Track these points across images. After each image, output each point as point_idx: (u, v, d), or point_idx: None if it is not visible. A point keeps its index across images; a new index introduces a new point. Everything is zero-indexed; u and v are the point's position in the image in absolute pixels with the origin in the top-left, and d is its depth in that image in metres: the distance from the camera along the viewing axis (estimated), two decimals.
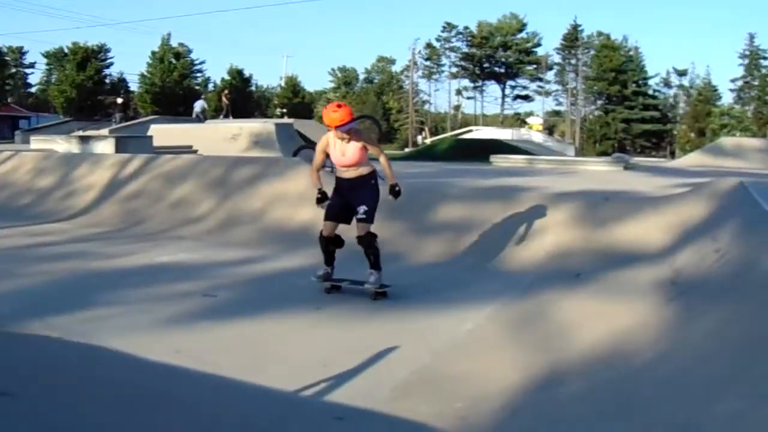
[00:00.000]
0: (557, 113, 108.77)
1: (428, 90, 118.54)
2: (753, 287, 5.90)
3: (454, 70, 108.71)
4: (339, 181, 8.97)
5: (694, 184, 13.58)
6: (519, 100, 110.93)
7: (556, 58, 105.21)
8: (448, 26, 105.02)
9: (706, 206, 10.32)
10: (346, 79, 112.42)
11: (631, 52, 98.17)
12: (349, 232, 8.91)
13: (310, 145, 29.38)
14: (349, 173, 8.82)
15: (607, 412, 4.81)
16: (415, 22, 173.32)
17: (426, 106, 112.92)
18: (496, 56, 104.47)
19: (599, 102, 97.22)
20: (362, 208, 8.72)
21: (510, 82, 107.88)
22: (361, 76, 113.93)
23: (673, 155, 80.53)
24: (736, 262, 7.00)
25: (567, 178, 17.30)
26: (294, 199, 14.05)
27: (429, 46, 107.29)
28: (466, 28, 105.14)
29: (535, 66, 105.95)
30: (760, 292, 5.65)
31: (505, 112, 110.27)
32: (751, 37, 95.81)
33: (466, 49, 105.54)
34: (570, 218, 10.97)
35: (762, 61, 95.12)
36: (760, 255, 6.51)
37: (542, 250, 10.43)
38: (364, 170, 8.86)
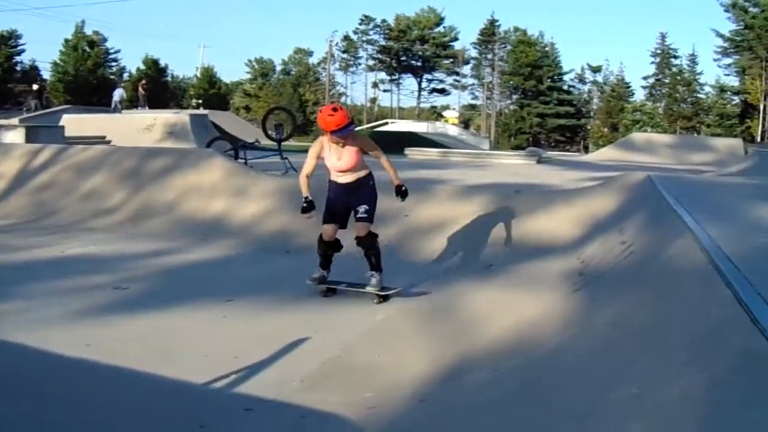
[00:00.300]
0: (473, 107, 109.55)
1: (345, 82, 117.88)
2: (654, 277, 6.06)
3: (371, 62, 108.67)
4: (336, 185, 8.74)
5: (605, 177, 13.91)
6: (435, 94, 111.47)
7: (473, 53, 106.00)
8: (366, 19, 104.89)
9: (615, 199, 10.57)
10: (263, 71, 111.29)
11: (546, 48, 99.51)
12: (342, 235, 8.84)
13: (225, 136, 29.21)
14: (347, 178, 8.60)
15: (513, 400, 4.90)
16: (332, 14, 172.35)
17: (343, 99, 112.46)
18: (413, 50, 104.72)
19: (515, 96, 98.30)
20: (363, 207, 8.56)
21: (427, 76, 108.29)
22: (278, 68, 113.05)
23: (586, 150, 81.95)
24: (639, 253, 7.17)
25: (480, 171, 17.51)
26: (207, 190, 13.96)
27: (346, 38, 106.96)
28: (383, 21, 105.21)
29: (451, 60, 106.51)
30: (660, 282, 5.81)
31: (422, 105, 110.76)
32: (663, 36, 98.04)
33: (383, 42, 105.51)
34: (482, 211, 11.12)
35: (673, 59, 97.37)
36: (662, 246, 6.68)
37: (454, 242, 10.57)
38: (361, 173, 8.64)
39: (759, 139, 79.93)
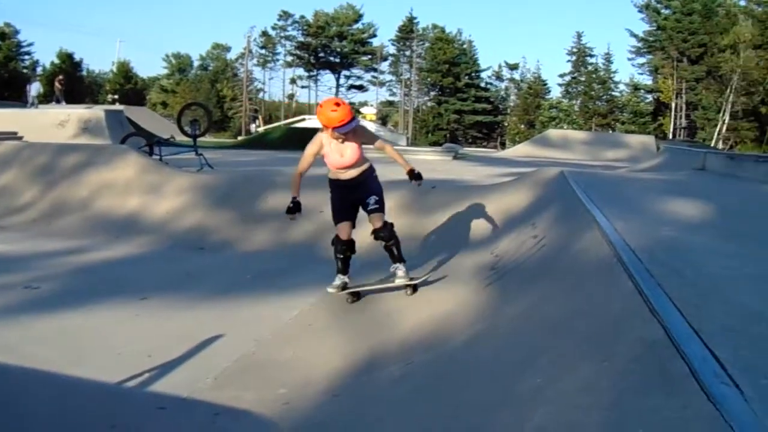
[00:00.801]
0: (391, 103, 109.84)
1: (263, 78, 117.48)
2: (562, 270, 6.19)
3: (289, 58, 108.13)
4: (340, 183, 8.24)
5: (519, 173, 14.08)
6: (353, 90, 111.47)
7: (391, 50, 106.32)
8: (285, 15, 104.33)
9: (529, 195, 10.72)
10: (180, 66, 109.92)
11: (464, 46, 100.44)
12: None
13: (140, 132, 28.79)
14: (350, 173, 8.14)
15: (423, 393, 4.96)
16: (251, 9, 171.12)
17: (260, 95, 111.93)
18: (331, 46, 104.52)
19: (432, 93, 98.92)
20: (373, 198, 8.22)
21: (345, 72, 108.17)
22: (196, 63, 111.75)
23: (503, 146, 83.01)
24: (550, 247, 7.30)
25: (397, 167, 17.53)
26: (122, 187, 13.78)
27: (265, 34, 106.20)
28: (302, 17, 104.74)
29: (370, 56, 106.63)
30: (568, 275, 5.95)
31: None
32: (579, 35, 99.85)
33: (301, 38, 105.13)
34: (398, 206, 11.15)
35: (588, 58, 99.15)
36: (571, 240, 6.82)
37: (368, 238, 10.59)
38: (364, 166, 8.25)
39: (671, 136, 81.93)
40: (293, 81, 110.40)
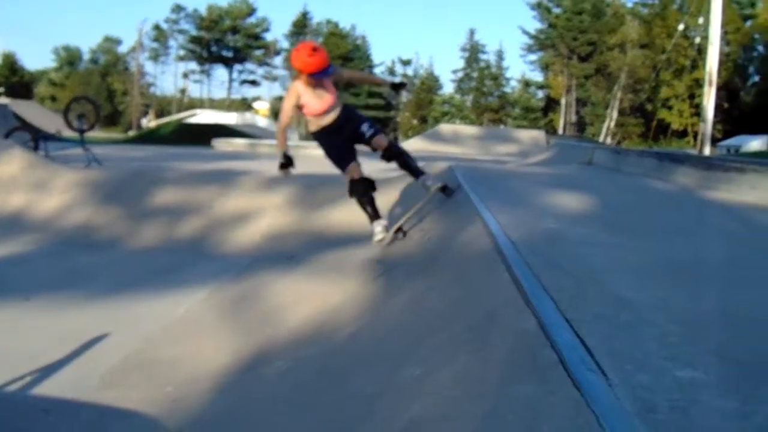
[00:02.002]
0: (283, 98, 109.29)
1: (155, 72, 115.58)
2: (446, 263, 6.28)
3: (181, 52, 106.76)
4: (326, 129, 7.96)
5: (387, 179, 14.24)
6: (246, 85, 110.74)
7: (285, 44, 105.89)
8: (177, 8, 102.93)
9: (417, 188, 10.84)
10: (69, 59, 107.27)
11: (358, 41, 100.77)
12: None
13: (25, 126, 28.01)
14: (333, 115, 7.88)
15: (308, 387, 4.99)
16: (143, 2, 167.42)
17: (152, 89, 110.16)
18: (224, 40, 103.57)
19: None
20: (365, 126, 8.03)
21: (238, 67, 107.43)
22: (86, 56, 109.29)
23: (396, 141, 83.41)
24: (435, 241, 7.40)
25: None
26: (5, 183, 13.43)
27: (157, 27, 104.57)
28: (195, 10, 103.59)
29: (263, 51, 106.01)
30: (451, 267, 6.05)
31: (232, 96, 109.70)
32: (472, 32, 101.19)
33: (194, 32, 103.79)
34: (286, 201, 11.17)
35: (481, 54, 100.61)
36: (455, 233, 6.93)
37: (258, 233, 10.58)
38: (341, 103, 8.02)
39: (561, 132, 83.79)
40: (185, 75, 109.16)
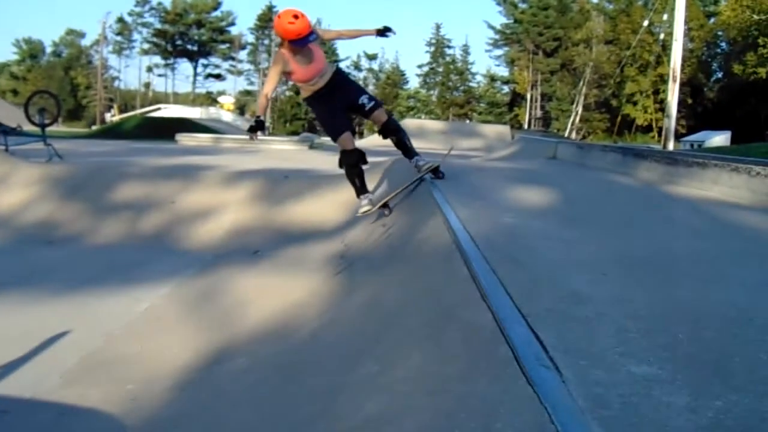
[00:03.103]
0: (249, 93, 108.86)
1: (118, 66, 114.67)
2: (406, 258, 6.27)
3: (145, 46, 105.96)
4: (318, 94, 7.86)
5: (374, 162, 14.22)
6: (211, 79, 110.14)
7: (250, 38, 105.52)
8: (142, 1, 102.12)
9: (380, 183, 10.85)
10: (31, 52, 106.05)
11: None
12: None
13: None
14: (325, 78, 7.79)
15: (268, 384, 4.97)
16: None
17: (116, 83, 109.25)
18: (189, 34, 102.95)
19: (291, 82, 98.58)
20: (365, 97, 7.93)
21: (202, 61, 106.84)
22: (48, 49, 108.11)
23: (361, 135, 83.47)
24: (396, 236, 7.39)
25: (251, 157, 17.52)
26: None
27: (121, 20, 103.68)
28: (159, 3, 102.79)
29: (228, 45, 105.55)
30: (410, 262, 6.05)
31: (197, 90, 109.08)
32: (438, 26, 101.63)
33: (158, 26, 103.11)
34: (250, 196, 11.13)
35: (447, 49, 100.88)
36: (416, 229, 6.94)
37: (221, 229, 10.53)
38: (333, 66, 7.92)
39: (526, 126, 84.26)
40: (150, 69, 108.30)
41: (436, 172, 8.19)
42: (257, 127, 7.64)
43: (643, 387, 2.69)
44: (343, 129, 7.97)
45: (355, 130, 8.08)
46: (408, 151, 8.33)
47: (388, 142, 8.43)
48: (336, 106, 7.94)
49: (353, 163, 8.06)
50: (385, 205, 8.27)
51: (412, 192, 8.71)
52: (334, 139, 8.03)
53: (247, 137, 7.87)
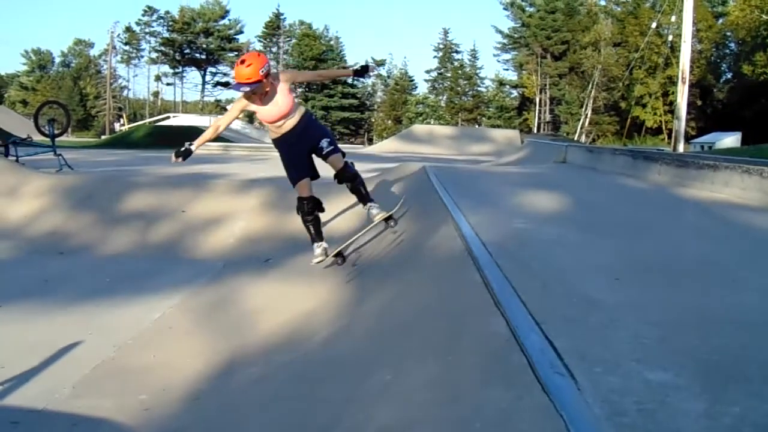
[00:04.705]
0: None
1: (127, 75, 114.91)
2: (418, 266, 6.25)
3: (154, 55, 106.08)
4: (283, 137, 7.79)
5: (383, 168, 14.20)
6: (219, 87, 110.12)
7: (258, 46, 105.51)
8: (149, 10, 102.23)
9: (391, 189, 10.83)
10: (40, 62, 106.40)
11: (331, 42, 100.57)
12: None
13: None
14: (291, 123, 7.68)
15: (281, 393, 4.96)
16: (114, 4, 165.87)
17: (125, 92, 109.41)
18: (197, 42, 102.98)
19: (299, 90, 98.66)
20: (325, 141, 7.81)
21: (211, 69, 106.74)
22: (57, 60, 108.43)
23: (370, 142, 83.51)
24: (408, 242, 7.38)
25: (261, 165, 17.51)
26: None
27: (128, 30, 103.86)
28: (167, 12, 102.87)
29: (236, 53, 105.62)
30: (423, 269, 6.02)
31: (206, 98, 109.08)
32: (446, 31, 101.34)
33: (166, 35, 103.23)
34: (260, 204, 11.11)
35: (455, 54, 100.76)
36: (428, 235, 6.93)
37: (232, 237, 10.52)
38: (301, 110, 7.84)
39: (536, 130, 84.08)
40: (158, 78, 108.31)
41: (389, 220, 8.12)
42: (181, 153, 7.60)
43: (659, 393, 2.67)
44: (302, 176, 7.94)
45: (318, 175, 8.00)
46: (362, 198, 8.25)
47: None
48: (300, 150, 7.90)
49: (308, 212, 8.03)
50: (339, 254, 8.18)
51: (422, 198, 8.68)
52: (293, 185, 8.04)
53: (172, 159, 7.70)
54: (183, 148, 7.52)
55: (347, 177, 8.03)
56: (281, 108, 7.56)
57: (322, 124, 8.14)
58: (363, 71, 8.32)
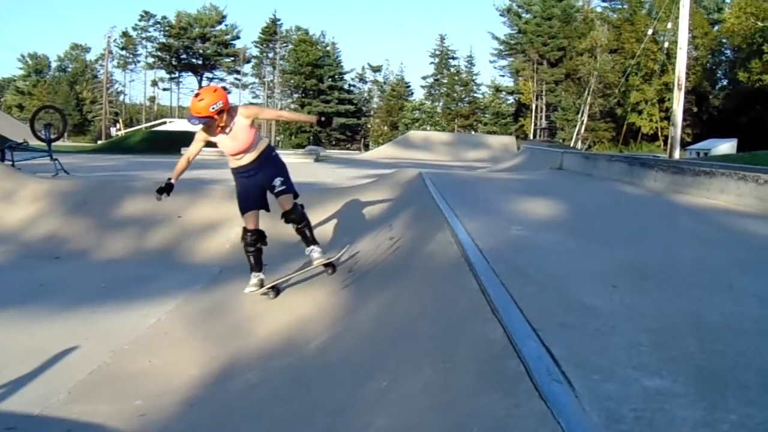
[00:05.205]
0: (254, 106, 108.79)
1: (123, 80, 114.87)
2: (414, 272, 6.25)
3: (150, 60, 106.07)
4: (240, 170, 7.89)
5: (380, 174, 14.22)
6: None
7: (254, 51, 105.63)
8: (146, 15, 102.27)
9: (387, 196, 10.83)
10: (37, 67, 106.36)
11: (328, 48, 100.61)
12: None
13: None
14: (248, 158, 7.78)
15: (278, 398, 4.95)
16: (111, 9, 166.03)
17: (121, 97, 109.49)
18: (194, 47, 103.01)
19: (296, 95, 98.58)
20: (278, 180, 7.87)
21: (207, 74, 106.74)
22: (54, 64, 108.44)
23: (367, 147, 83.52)
24: (404, 249, 7.37)
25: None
26: None
27: (125, 34, 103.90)
28: (164, 17, 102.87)
29: (233, 58, 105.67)
30: (419, 276, 6.02)
31: None
32: (442, 38, 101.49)
33: (163, 40, 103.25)
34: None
35: (451, 60, 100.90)
36: (424, 241, 6.92)
37: (228, 242, 10.52)
38: (261, 146, 7.87)
39: (532, 137, 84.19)
40: (155, 83, 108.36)
41: (328, 266, 8.14)
42: (163, 189, 7.73)
43: (656, 401, 2.66)
44: (251, 208, 8.04)
45: (268, 208, 8.17)
46: (306, 240, 8.28)
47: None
48: (254, 184, 7.99)
49: (250, 243, 8.11)
50: (273, 288, 8.20)
51: (418, 205, 8.69)
52: (241, 214, 8.13)
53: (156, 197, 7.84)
54: (164, 184, 7.66)
55: (293, 219, 8.12)
56: (240, 143, 7.68)
57: (281, 161, 8.15)
58: (326, 123, 8.36)
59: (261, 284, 8.07)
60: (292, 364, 5.71)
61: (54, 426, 5.10)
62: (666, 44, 54.47)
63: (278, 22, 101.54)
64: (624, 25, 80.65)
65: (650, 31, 52.91)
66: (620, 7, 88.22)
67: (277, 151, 8.35)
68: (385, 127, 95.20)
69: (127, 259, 10.52)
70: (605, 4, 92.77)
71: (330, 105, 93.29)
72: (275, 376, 5.58)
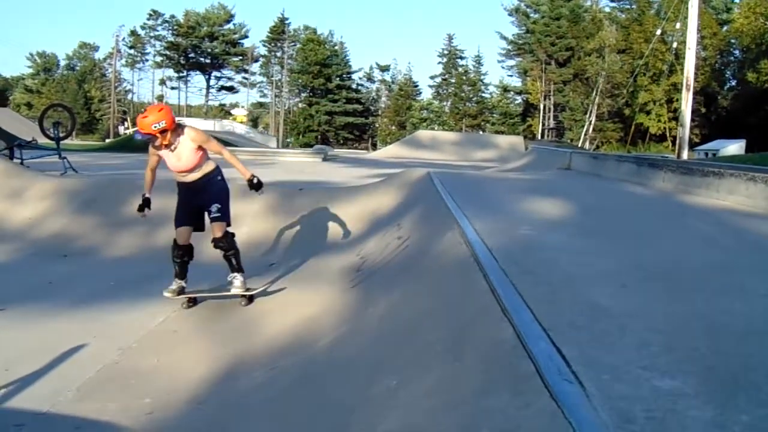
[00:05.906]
0: (262, 105, 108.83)
1: (132, 79, 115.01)
2: (423, 271, 6.25)
3: (158, 59, 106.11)
4: (182, 185, 8.07)
5: (387, 174, 14.20)
6: (224, 92, 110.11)
7: (263, 51, 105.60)
8: (154, 14, 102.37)
9: (395, 195, 10.81)
10: (45, 65, 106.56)
11: (336, 47, 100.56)
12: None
13: (0, 134, 27.76)
14: (191, 177, 7.95)
15: (287, 396, 4.94)
16: (119, 8, 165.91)
17: (129, 96, 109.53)
18: (202, 46, 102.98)
19: (303, 95, 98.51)
20: (215, 206, 8.00)
21: (215, 73, 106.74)
22: (62, 63, 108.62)
23: (374, 147, 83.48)
24: (413, 248, 7.37)
25: (266, 169, 17.48)
26: None
27: (133, 33, 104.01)
28: (172, 16, 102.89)
29: (241, 57, 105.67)
30: (428, 275, 6.01)
31: (210, 103, 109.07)
32: (450, 37, 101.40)
33: (171, 38, 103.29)
34: (265, 209, 11.09)
35: (459, 60, 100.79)
36: (433, 241, 6.91)
37: (237, 240, 10.49)
38: (206, 168, 8.03)
39: (540, 137, 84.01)
40: (163, 82, 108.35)
41: (244, 297, 8.19)
42: (142, 205, 8.09)
43: (667, 401, 2.66)
44: (184, 223, 8.19)
45: (202, 228, 8.39)
46: (231, 268, 8.31)
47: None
48: (192, 203, 8.14)
49: (177, 255, 8.26)
50: (191, 300, 8.35)
51: (427, 204, 8.68)
52: (175, 227, 8.27)
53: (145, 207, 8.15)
54: (141, 201, 8.01)
55: (222, 246, 8.21)
56: (183, 162, 7.83)
57: (225, 187, 8.28)
58: (256, 185, 8.35)
59: (180, 291, 8.19)
60: (300, 363, 5.70)
61: (62, 423, 5.09)
62: (674, 44, 54.30)
63: (286, 21, 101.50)
64: (632, 26, 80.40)
65: (659, 32, 52.83)
66: (629, 7, 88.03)
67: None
68: (393, 127, 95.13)
69: (135, 257, 10.51)
70: (614, 5, 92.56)
71: (338, 104, 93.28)
72: (283, 374, 5.57)
